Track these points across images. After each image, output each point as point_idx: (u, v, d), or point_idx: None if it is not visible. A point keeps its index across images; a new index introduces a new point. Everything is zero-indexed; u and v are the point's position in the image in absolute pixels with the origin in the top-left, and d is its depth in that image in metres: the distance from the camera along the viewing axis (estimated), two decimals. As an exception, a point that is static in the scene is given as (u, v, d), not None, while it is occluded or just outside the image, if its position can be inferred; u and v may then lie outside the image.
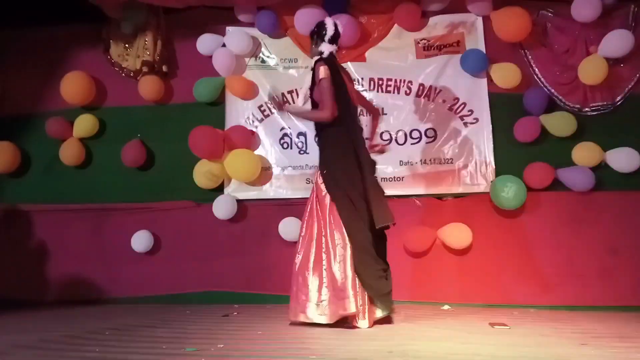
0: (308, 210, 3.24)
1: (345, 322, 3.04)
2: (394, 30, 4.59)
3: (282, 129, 4.59)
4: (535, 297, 4.05)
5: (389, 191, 4.33)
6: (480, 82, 4.44)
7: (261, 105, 4.65)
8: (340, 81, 3.23)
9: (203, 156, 4.43)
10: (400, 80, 4.55)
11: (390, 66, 4.57)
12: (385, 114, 4.53)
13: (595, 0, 4.19)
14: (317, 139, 3.41)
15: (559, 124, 4.28)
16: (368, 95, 4.56)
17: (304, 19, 4.43)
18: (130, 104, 4.75)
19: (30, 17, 4.65)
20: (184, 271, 4.47)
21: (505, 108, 4.38)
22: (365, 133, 3.51)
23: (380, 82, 4.56)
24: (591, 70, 4.18)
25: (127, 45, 4.75)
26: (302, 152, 4.54)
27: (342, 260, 3.05)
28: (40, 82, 4.84)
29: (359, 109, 3.51)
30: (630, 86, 4.32)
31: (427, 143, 4.45)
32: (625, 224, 4.14)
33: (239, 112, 4.66)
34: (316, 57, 3.30)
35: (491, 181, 4.28)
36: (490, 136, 4.38)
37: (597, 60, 4.18)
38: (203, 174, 4.44)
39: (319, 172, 3.24)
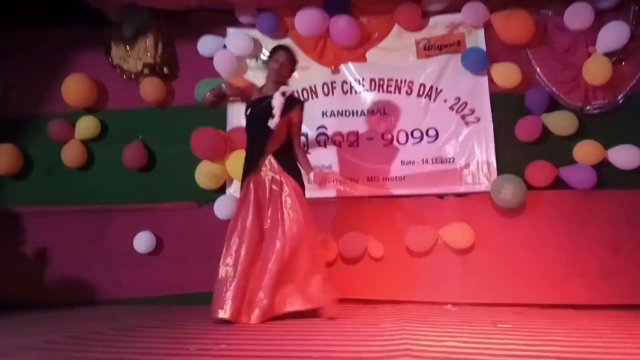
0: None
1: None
2: (395, 30, 4.59)
3: (283, 129, 4.59)
4: (538, 295, 4.04)
5: (390, 191, 4.39)
6: (481, 82, 4.44)
7: (262, 107, 4.65)
8: None
9: (205, 157, 4.44)
10: (401, 81, 4.55)
11: (391, 66, 4.57)
12: (387, 114, 4.54)
13: (586, 9, 4.21)
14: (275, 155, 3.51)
15: (561, 122, 4.28)
16: (369, 95, 4.57)
17: (305, 20, 4.44)
18: (132, 106, 4.77)
19: (32, 19, 4.66)
20: (187, 272, 4.47)
21: (507, 107, 4.39)
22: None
23: (381, 82, 4.57)
24: (595, 71, 4.18)
25: (128, 47, 4.76)
26: (302, 152, 4.54)
27: None
28: (41, 85, 4.86)
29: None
30: (632, 84, 4.31)
31: (428, 143, 4.46)
32: (628, 222, 4.13)
33: (240, 113, 4.64)
34: (290, 91, 3.51)
35: (493, 181, 4.28)
36: (492, 135, 4.38)
37: (600, 59, 4.18)
38: (205, 174, 4.44)
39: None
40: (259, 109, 3.50)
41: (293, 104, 3.52)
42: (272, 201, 3.40)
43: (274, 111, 3.40)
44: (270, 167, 3.47)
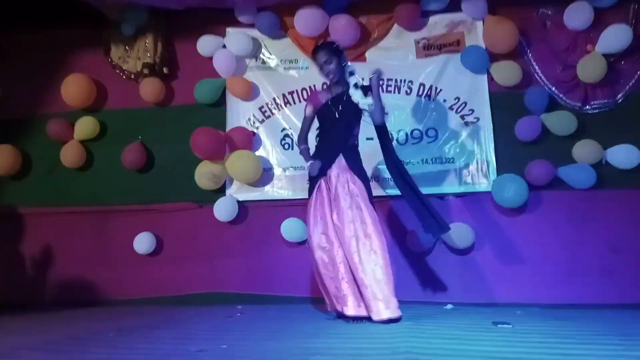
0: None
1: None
2: (394, 30, 4.58)
3: (283, 129, 4.60)
4: (538, 295, 4.05)
5: (390, 191, 4.39)
6: (480, 81, 4.43)
7: (262, 106, 4.65)
8: None
9: (204, 157, 4.44)
10: (401, 80, 4.55)
11: (391, 66, 4.55)
12: (386, 114, 4.52)
13: (586, 9, 4.21)
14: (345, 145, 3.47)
15: (560, 122, 4.28)
16: (369, 95, 4.56)
17: (304, 19, 4.44)
18: (131, 106, 4.76)
19: (32, 20, 4.65)
20: (187, 272, 4.48)
21: (506, 107, 4.38)
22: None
23: (381, 82, 4.56)
24: (590, 69, 4.18)
25: (127, 47, 4.76)
26: (303, 152, 4.54)
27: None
28: (41, 85, 4.85)
29: None
30: (631, 83, 4.31)
31: (428, 143, 4.46)
32: (627, 221, 4.14)
33: (240, 113, 4.66)
34: (360, 80, 3.53)
35: (492, 180, 4.28)
36: (491, 135, 4.38)
37: (596, 58, 4.19)
38: (204, 175, 4.44)
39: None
40: (340, 107, 3.43)
41: (367, 91, 3.45)
42: (339, 198, 3.32)
43: (361, 106, 3.40)
44: (338, 164, 3.41)
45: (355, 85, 3.43)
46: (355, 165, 3.43)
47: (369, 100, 3.38)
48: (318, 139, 3.57)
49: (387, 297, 3.12)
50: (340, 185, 3.35)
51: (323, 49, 3.48)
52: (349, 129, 3.43)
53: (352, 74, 3.47)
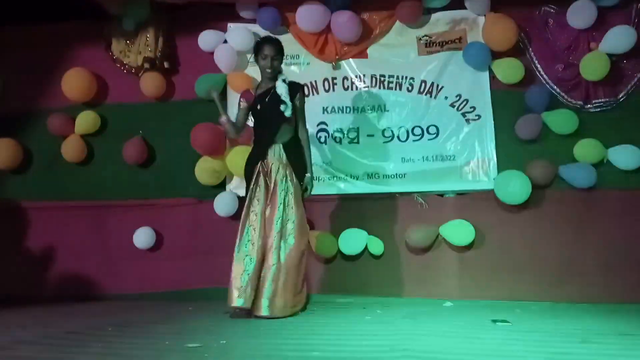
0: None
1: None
2: (396, 26, 4.57)
3: (284, 125, 4.58)
4: (537, 293, 4.06)
5: (390, 188, 4.39)
6: (482, 79, 4.43)
7: (263, 102, 4.64)
8: None
9: (205, 153, 4.44)
10: (402, 77, 4.54)
11: (392, 63, 4.56)
12: (388, 111, 4.54)
13: (589, 7, 4.19)
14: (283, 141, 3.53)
15: (561, 121, 4.27)
16: (370, 92, 4.56)
17: (306, 15, 4.43)
18: (132, 101, 4.75)
19: (32, 14, 4.64)
20: (186, 268, 4.48)
21: (508, 105, 4.37)
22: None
23: (382, 78, 4.56)
24: (593, 66, 4.17)
25: (128, 41, 4.74)
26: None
27: None
28: (41, 79, 4.84)
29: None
30: (633, 83, 4.30)
31: (429, 140, 4.45)
32: (627, 221, 4.13)
33: (241, 109, 4.65)
34: (288, 77, 3.57)
35: (493, 178, 4.28)
36: (493, 133, 4.38)
37: (598, 56, 4.18)
38: (205, 170, 4.44)
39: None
40: (267, 102, 3.49)
41: (295, 89, 3.54)
42: (276, 193, 3.42)
43: (282, 98, 3.44)
44: (278, 157, 3.48)
45: (284, 81, 3.49)
46: (295, 161, 3.50)
47: (287, 102, 3.44)
48: (255, 132, 3.63)
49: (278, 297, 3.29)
50: (279, 181, 3.44)
51: (277, 45, 3.53)
52: (282, 120, 3.47)
53: (281, 73, 3.56)
